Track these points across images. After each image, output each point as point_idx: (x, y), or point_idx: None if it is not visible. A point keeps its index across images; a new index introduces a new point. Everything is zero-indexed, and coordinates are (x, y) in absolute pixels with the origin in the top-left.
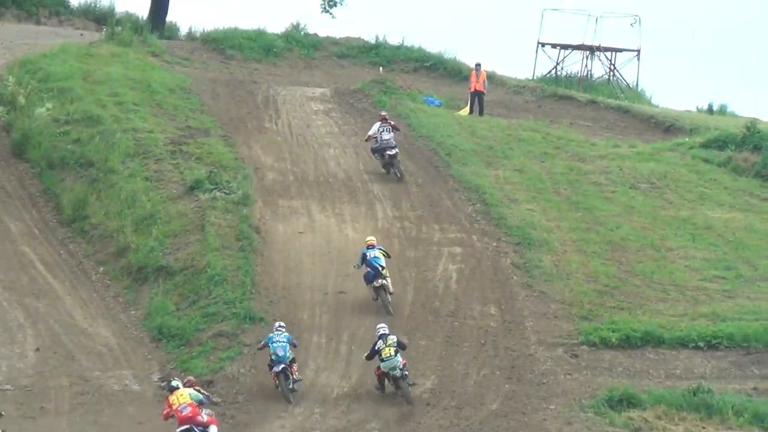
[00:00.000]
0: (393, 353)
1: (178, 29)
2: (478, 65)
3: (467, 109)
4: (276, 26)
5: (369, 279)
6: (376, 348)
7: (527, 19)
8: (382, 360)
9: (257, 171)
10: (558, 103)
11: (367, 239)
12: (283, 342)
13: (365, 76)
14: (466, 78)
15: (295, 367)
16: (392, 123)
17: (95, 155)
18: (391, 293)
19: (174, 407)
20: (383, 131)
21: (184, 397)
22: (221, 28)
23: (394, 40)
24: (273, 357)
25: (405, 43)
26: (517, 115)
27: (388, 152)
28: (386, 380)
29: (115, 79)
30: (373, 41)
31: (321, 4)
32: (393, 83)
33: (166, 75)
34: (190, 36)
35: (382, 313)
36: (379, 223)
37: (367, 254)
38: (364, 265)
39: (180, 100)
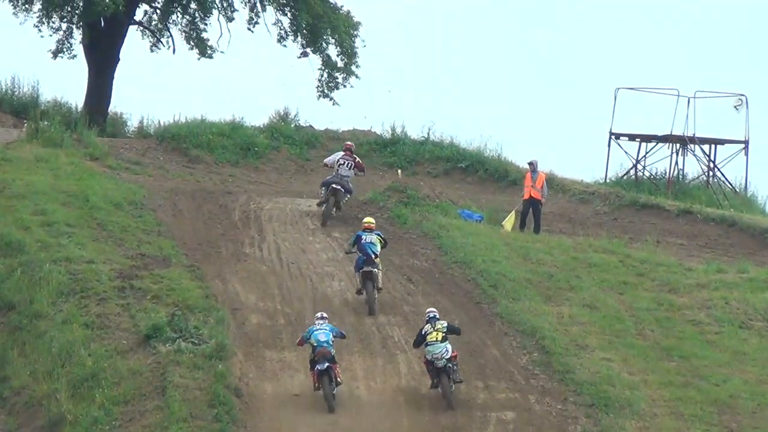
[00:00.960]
0: (439, 338)
1: (124, 123)
2: (533, 164)
3: (512, 218)
4: (256, 117)
5: (359, 265)
6: (423, 332)
7: (596, 104)
8: (427, 345)
9: (236, 313)
10: (640, 214)
11: (364, 220)
12: (326, 329)
13: (378, 183)
14: (515, 182)
15: (338, 368)
16: (358, 159)
17: (16, 295)
18: (379, 289)
19: None
20: (342, 165)
21: None
22: (183, 120)
23: (416, 133)
24: (315, 344)
25: (431, 137)
26: (585, 231)
27: (333, 185)
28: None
29: (42, 191)
30: (388, 135)
31: (317, 86)
32: (416, 191)
33: (110, 185)
34: (142, 132)
35: None
36: (403, 380)
37: (363, 237)
38: (355, 249)
39: (129, 219)
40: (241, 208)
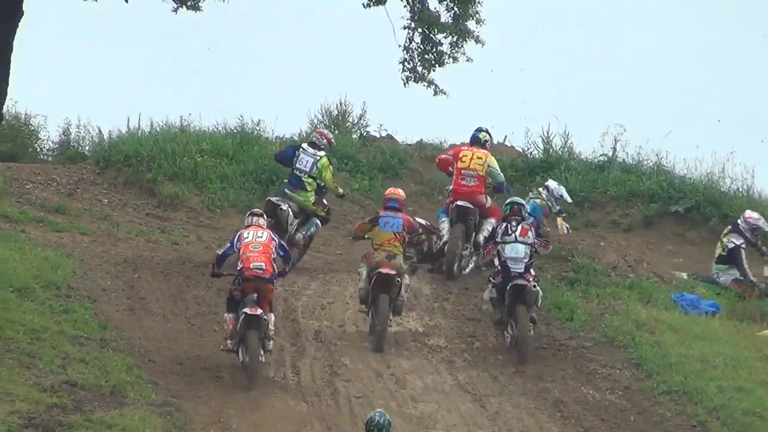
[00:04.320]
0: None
1: (34, 134)
2: None
3: None
4: (286, 121)
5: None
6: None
7: None
8: None
9: None
10: None
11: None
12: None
13: None
14: None
15: None
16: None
17: None
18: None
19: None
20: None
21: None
22: (145, 128)
23: (589, 149)
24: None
25: (619, 156)
26: None
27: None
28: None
29: None
30: (537, 151)
31: (403, 62)
32: (592, 258)
33: (9, 252)
34: (69, 150)
35: None
36: None
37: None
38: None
39: (46, 317)
40: None
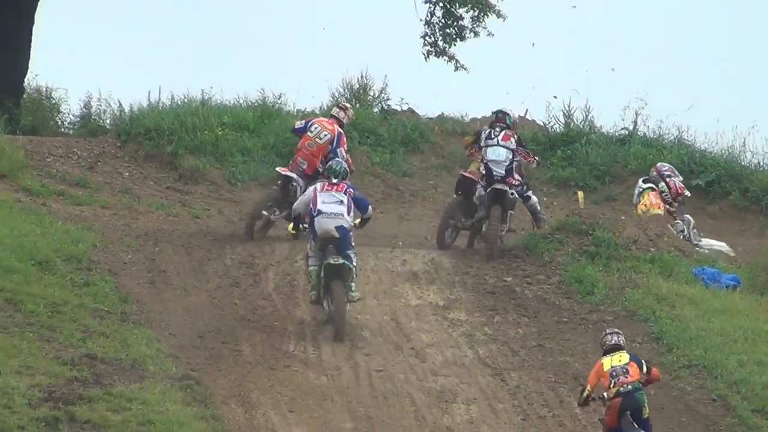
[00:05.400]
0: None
1: (56, 107)
2: None
3: None
4: (307, 94)
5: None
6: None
7: None
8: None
9: None
10: None
11: None
12: None
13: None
14: None
15: None
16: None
17: None
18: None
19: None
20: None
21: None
22: (166, 101)
23: (610, 123)
24: None
25: (640, 129)
26: None
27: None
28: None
29: None
30: (558, 125)
31: (425, 36)
32: (612, 232)
33: (29, 225)
34: (90, 123)
35: None
36: None
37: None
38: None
39: (66, 290)
40: (279, 268)
